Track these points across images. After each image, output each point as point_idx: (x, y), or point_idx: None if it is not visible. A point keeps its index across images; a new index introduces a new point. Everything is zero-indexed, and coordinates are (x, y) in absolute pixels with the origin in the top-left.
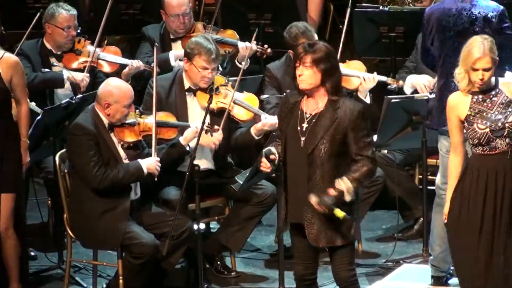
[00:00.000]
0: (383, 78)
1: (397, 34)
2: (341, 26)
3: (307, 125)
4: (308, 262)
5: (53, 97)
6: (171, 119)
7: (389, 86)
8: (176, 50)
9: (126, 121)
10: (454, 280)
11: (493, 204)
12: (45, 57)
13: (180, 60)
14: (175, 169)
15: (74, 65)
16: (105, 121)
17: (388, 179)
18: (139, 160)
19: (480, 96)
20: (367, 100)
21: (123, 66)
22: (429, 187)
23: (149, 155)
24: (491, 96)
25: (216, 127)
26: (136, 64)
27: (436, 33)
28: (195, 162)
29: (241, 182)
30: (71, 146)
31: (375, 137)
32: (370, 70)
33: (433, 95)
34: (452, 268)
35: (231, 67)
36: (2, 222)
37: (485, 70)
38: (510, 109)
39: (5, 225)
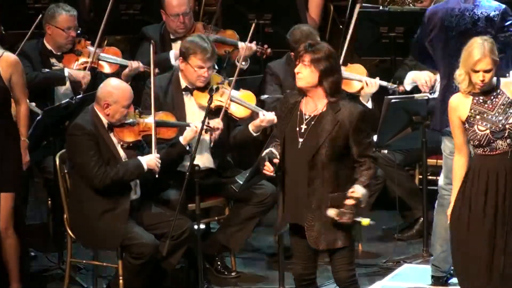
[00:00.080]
0: (384, 83)
1: (397, 34)
2: (341, 27)
3: (305, 127)
4: (307, 262)
5: (53, 97)
6: (171, 119)
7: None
8: (177, 50)
9: (126, 121)
10: (454, 280)
11: (494, 204)
12: (45, 57)
13: None
14: (174, 169)
15: (74, 65)
16: (105, 121)
17: (388, 179)
18: (139, 157)
19: (481, 97)
20: (369, 104)
21: (123, 66)
22: (429, 187)
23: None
24: (492, 97)
25: (215, 120)
26: (135, 65)
27: (439, 33)
28: (195, 162)
29: (241, 182)
30: (71, 146)
31: (375, 137)
32: (370, 70)
33: (433, 95)
34: (452, 268)
35: (231, 67)
36: (1, 222)
37: (485, 71)
38: (511, 110)
39: (5, 225)
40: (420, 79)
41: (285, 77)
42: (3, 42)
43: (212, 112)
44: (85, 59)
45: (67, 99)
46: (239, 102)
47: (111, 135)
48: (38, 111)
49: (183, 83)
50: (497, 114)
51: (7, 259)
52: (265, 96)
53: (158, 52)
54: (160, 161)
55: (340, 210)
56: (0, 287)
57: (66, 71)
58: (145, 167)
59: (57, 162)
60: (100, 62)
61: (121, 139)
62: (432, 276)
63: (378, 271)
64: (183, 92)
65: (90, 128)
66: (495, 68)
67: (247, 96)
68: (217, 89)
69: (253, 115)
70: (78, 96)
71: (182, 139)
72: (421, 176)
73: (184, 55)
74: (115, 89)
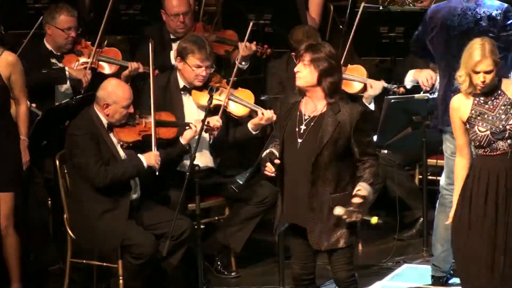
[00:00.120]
0: (387, 85)
1: (397, 34)
2: (341, 27)
3: (305, 127)
4: (306, 262)
5: (53, 98)
6: (171, 119)
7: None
8: None
9: (125, 121)
10: (454, 280)
11: (494, 204)
12: (46, 57)
13: None
14: (174, 167)
15: (75, 66)
16: (105, 121)
17: (388, 179)
18: (139, 155)
19: (482, 98)
20: (371, 106)
21: (123, 67)
22: (429, 187)
23: None
24: (493, 98)
25: (214, 117)
26: (135, 65)
27: (440, 32)
28: (195, 162)
29: (241, 182)
30: (71, 146)
31: (375, 138)
32: (370, 70)
33: (433, 95)
34: (452, 268)
35: (231, 67)
36: (2, 221)
37: (486, 72)
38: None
39: (5, 224)
40: (421, 77)
41: (285, 76)
42: (3, 42)
43: (210, 111)
44: (85, 59)
45: (67, 99)
46: (238, 100)
47: (111, 135)
48: (38, 112)
49: (181, 83)
50: (497, 115)
51: (7, 258)
52: (265, 96)
53: (158, 52)
54: (160, 158)
55: (349, 209)
56: (0, 287)
57: (67, 70)
58: (145, 164)
59: (57, 162)
60: (100, 62)
61: (121, 139)
62: (432, 276)
63: (378, 271)
64: (182, 92)
65: (89, 127)
66: (496, 69)
67: (245, 95)
68: (217, 89)
69: (252, 114)
70: (78, 96)
71: (182, 139)
72: (421, 176)
73: (181, 54)
74: (114, 89)
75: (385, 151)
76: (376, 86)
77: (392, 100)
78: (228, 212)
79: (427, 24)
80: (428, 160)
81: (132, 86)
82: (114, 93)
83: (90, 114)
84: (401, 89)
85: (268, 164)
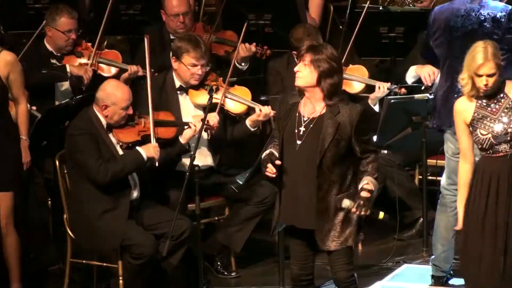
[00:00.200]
0: (393, 86)
1: (397, 34)
2: (341, 27)
3: (304, 129)
4: (305, 263)
5: (53, 98)
6: (170, 118)
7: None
8: None
9: (125, 122)
10: (454, 281)
11: (495, 205)
12: (46, 58)
13: None
14: (173, 168)
15: (74, 71)
16: (104, 122)
17: (388, 179)
18: (137, 147)
19: (485, 101)
20: (376, 108)
21: (123, 70)
22: (429, 187)
23: None
24: (496, 101)
25: (212, 114)
26: (134, 69)
27: (443, 33)
28: (195, 162)
29: (241, 183)
30: (71, 146)
31: (375, 138)
32: (370, 70)
33: (433, 95)
34: (453, 268)
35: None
36: (2, 221)
37: (489, 75)
38: None
39: (4, 223)
40: (423, 72)
41: (286, 75)
42: (3, 42)
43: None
44: (85, 60)
45: (67, 99)
46: (235, 98)
47: (110, 135)
48: (38, 115)
49: (177, 83)
50: (500, 118)
51: (7, 258)
52: (264, 97)
53: (157, 52)
54: (159, 149)
55: (357, 202)
56: (1, 287)
57: (68, 67)
58: (145, 156)
59: (57, 162)
60: (100, 64)
61: (120, 140)
62: (433, 276)
63: (378, 271)
64: (178, 92)
65: (89, 129)
66: (498, 72)
67: (242, 92)
68: (217, 89)
69: (250, 111)
70: (77, 97)
71: (182, 138)
72: (421, 176)
73: (176, 54)
74: (113, 90)
75: (385, 151)
76: (384, 89)
77: (392, 101)
78: (228, 212)
79: (430, 27)
80: (428, 160)
81: (130, 86)
82: (113, 95)
83: (89, 115)
84: (403, 90)
85: (269, 165)
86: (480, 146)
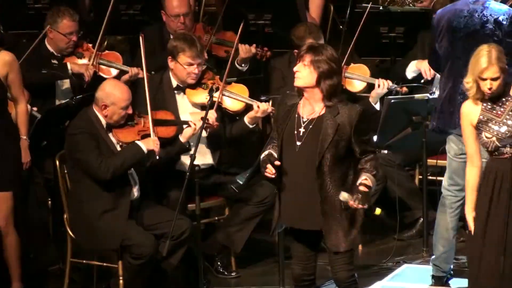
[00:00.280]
0: (393, 86)
1: (397, 34)
2: (341, 27)
3: (303, 130)
4: (307, 263)
5: (54, 97)
6: (170, 117)
7: (392, 89)
8: None
9: (124, 122)
10: (454, 281)
11: (497, 204)
12: (47, 59)
13: None
14: (172, 167)
15: (75, 69)
16: (103, 122)
17: (388, 179)
18: (136, 141)
19: (490, 104)
20: (377, 106)
21: (123, 72)
22: (429, 187)
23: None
24: (501, 104)
25: (210, 111)
26: (135, 71)
27: (446, 34)
28: (195, 162)
29: (241, 183)
30: (72, 145)
31: (375, 138)
32: (370, 70)
33: (433, 96)
34: (453, 268)
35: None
36: (1, 221)
37: (493, 79)
38: None
39: (4, 223)
40: (423, 66)
41: (288, 74)
42: (3, 42)
43: (205, 108)
44: (85, 61)
45: (67, 99)
46: (232, 96)
47: (110, 135)
48: (38, 115)
49: (174, 82)
50: (505, 120)
51: (7, 258)
52: (264, 97)
53: (157, 52)
54: (158, 142)
55: (355, 195)
56: (1, 286)
57: (69, 65)
58: (145, 149)
59: (57, 162)
60: (100, 66)
61: (120, 140)
62: (433, 276)
63: (378, 271)
64: (175, 91)
65: (89, 129)
66: (503, 75)
67: (239, 89)
68: (217, 89)
69: (248, 108)
70: (77, 97)
71: (182, 137)
72: (421, 176)
73: (172, 54)
74: (113, 90)
75: (385, 151)
76: (385, 85)
77: (392, 100)
78: (228, 212)
79: (435, 29)
80: (428, 160)
81: (129, 86)
82: (113, 94)
83: (88, 115)
84: (404, 89)
85: (269, 166)
86: (485, 149)
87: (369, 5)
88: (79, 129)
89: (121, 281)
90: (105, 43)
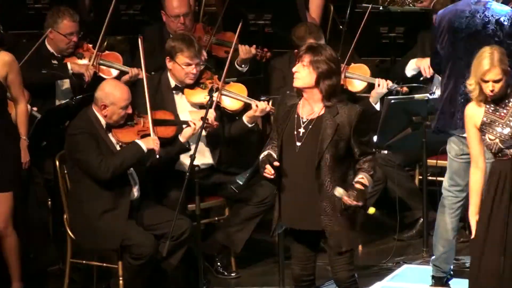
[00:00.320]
0: (394, 85)
1: (397, 34)
2: (341, 27)
3: (303, 130)
4: (306, 263)
5: (54, 97)
6: (169, 117)
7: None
8: None
9: (124, 122)
10: (454, 281)
11: (498, 205)
12: (47, 59)
13: None
14: (173, 167)
15: (75, 69)
16: (103, 122)
17: (388, 180)
18: (136, 140)
19: (492, 106)
20: (377, 106)
21: (123, 72)
22: (429, 187)
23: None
24: (504, 106)
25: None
26: (135, 71)
27: (447, 34)
28: (195, 162)
29: (241, 183)
30: (72, 145)
31: (375, 138)
32: (370, 70)
33: (433, 96)
34: (453, 269)
35: (230, 70)
36: (1, 221)
37: (495, 81)
38: None
39: (4, 224)
40: (423, 64)
41: (288, 73)
42: (3, 42)
43: (204, 107)
44: (86, 61)
45: (67, 100)
46: (231, 95)
47: (110, 135)
48: (38, 115)
49: (173, 82)
50: (508, 122)
51: (7, 258)
52: (264, 97)
53: (157, 52)
54: (159, 141)
55: (350, 191)
56: (1, 286)
57: (69, 65)
58: (145, 148)
59: (57, 163)
60: (100, 66)
61: (119, 140)
62: (433, 276)
63: (378, 271)
64: (174, 92)
65: (89, 129)
66: (505, 77)
67: (238, 89)
68: (217, 89)
69: (246, 107)
70: (77, 97)
71: (181, 137)
72: (421, 176)
73: (170, 54)
74: (112, 90)
75: (385, 152)
76: (384, 84)
77: (392, 101)
78: (228, 212)
79: (437, 30)
80: (428, 160)
81: (130, 86)
82: (112, 94)
83: (88, 115)
84: (404, 89)
85: (268, 166)
86: (489, 151)
87: (370, 6)
88: (79, 129)
89: (121, 281)
90: (105, 43)
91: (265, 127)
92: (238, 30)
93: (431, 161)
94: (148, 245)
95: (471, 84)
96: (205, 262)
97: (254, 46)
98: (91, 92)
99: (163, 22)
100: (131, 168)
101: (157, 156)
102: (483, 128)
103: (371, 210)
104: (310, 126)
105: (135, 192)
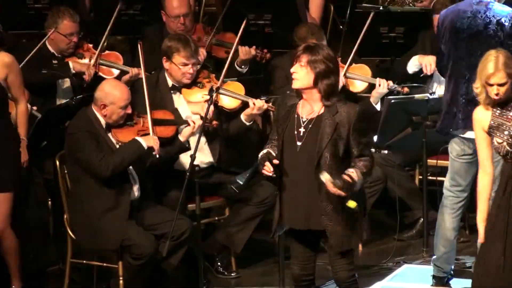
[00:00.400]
0: (394, 86)
1: (397, 34)
2: (341, 27)
3: (304, 130)
4: (306, 263)
5: (54, 96)
6: (169, 117)
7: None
8: None
9: (123, 122)
10: (455, 281)
11: (504, 206)
12: (47, 59)
13: None
14: (173, 167)
15: (77, 68)
16: (103, 122)
17: (388, 180)
18: (136, 137)
19: (499, 109)
20: (378, 107)
21: (124, 72)
22: (429, 187)
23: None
24: (510, 108)
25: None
26: (136, 71)
27: (450, 34)
28: (195, 162)
29: (241, 183)
30: (72, 145)
31: (375, 138)
32: (370, 70)
33: (433, 96)
34: (454, 269)
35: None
36: (0, 221)
37: (500, 85)
38: None
39: (3, 224)
40: (425, 61)
41: (289, 72)
42: (3, 42)
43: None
44: (86, 61)
45: (67, 99)
46: (228, 94)
47: (109, 135)
48: (39, 115)
49: (170, 82)
50: None
51: (7, 258)
52: (263, 98)
53: (157, 52)
54: (158, 141)
55: (335, 179)
56: (1, 286)
57: (71, 64)
58: (145, 146)
59: (57, 163)
60: (101, 66)
61: (119, 140)
62: (434, 276)
63: (378, 271)
64: (171, 91)
65: (89, 128)
66: (510, 80)
67: (235, 87)
68: (217, 89)
69: (244, 105)
70: (78, 97)
71: (181, 136)
72: (421, 176)
73: (167, 54)
74: (112, 90)
75: (385, 151)
76: (384, 84)
77: (392, 101)
78: (228, 212)
79: (439, 30)
80: (428, 160)
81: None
82: (112, 94)
83: (87, 115)
84: (405, 89)
85: (267, 163)
86: (498, 153)
87: (373, 8)
88: (78, 128)
89: (121, 281)
90: (105, 43)
91: (265, 127)
92: (241, 30)
93: (431, 161)
94: (148, 245)
95: (477, 87)
96: (205, 262)
97: (254, 47)
98: (91, 92)
99: (163, 22)
100: (131, 168)
101: (157, 156)
102: (490, 132)
103: (351, 204)
104: (310, 126)
105: (135, 192)
